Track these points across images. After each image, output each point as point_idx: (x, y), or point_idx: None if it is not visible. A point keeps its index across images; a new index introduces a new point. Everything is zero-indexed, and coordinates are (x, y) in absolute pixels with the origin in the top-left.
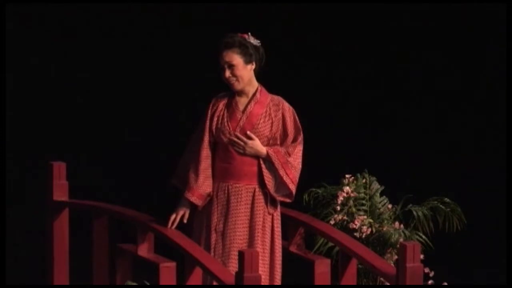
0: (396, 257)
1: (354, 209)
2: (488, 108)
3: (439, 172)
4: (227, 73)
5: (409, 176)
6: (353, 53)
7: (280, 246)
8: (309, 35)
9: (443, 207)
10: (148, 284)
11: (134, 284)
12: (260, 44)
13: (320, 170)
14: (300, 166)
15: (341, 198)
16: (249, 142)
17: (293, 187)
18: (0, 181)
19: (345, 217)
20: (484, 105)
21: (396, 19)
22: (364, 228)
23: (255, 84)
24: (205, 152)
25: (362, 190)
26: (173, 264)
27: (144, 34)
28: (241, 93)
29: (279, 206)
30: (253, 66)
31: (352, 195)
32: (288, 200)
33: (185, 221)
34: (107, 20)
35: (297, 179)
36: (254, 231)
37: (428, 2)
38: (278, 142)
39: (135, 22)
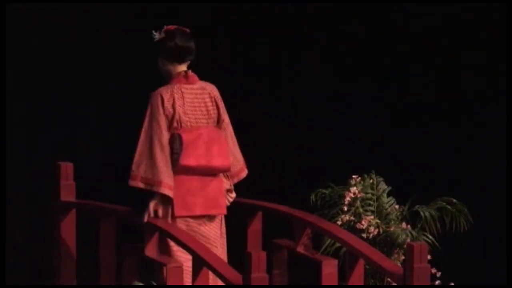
0: (403, 257)
1: (361, 210)
2: (489, 108)
3: (446, 173)
4: None
5: (416, 176)
6: (358, 52)
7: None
8: (314, 33)
9: (450, 207)
10: (155, 284)
11: (141, 284)
12: (163, 36)
13: (327, 170)
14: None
15: (348, 198)
16: None
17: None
18: (2, 181)
19: (352, 218)
20: (485, 105)
21: (400, 19)
22: (371, 228)
23: (169, 76)
24: None
25: (369, 191)
26: (180, 265)
27: (144, 34)
28: None
29: (167, 212)
30: (164, 60)
31: (359, 195)
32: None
33: None
34: (106, 19)
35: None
36: None
37: (428, 2)
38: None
39: (135, 22)
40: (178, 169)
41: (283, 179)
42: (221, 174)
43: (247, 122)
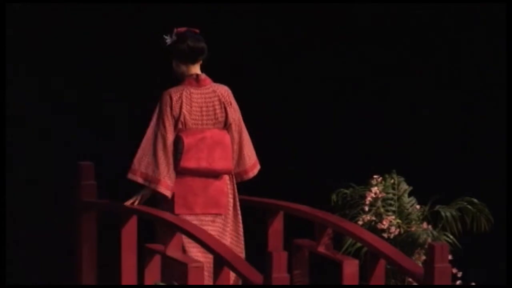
0: (424, 257)
1: (382, 210)
2: (489, 109)
3: (468, 173)
4: None
5: (437, 176)
6: (373, 53)
7: None
8: (334, 35)
9: (471, 207)
10: (176, 284)
11: (163, 284)
12: (175, 39)
13: (348, 170)
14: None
15: (369, 198)
16: None
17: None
18: (2, 182)
19: (373, 218)
20: (485, 106)
21: (404, 19)
22: (392, 228)
23: (184, 78)
24: None
25: (390, 191)
26: (201, 264)
27: (145, 35)
28: None
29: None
30: (177, 62)
31: (380, 195)
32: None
33: None
34: (107, 19)
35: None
36: None
37: (428, 2)
38: None
39: (135, 22)
40: (180, 170)
41: (304, 179)
42: (225, 175)
43: (266, 122)
